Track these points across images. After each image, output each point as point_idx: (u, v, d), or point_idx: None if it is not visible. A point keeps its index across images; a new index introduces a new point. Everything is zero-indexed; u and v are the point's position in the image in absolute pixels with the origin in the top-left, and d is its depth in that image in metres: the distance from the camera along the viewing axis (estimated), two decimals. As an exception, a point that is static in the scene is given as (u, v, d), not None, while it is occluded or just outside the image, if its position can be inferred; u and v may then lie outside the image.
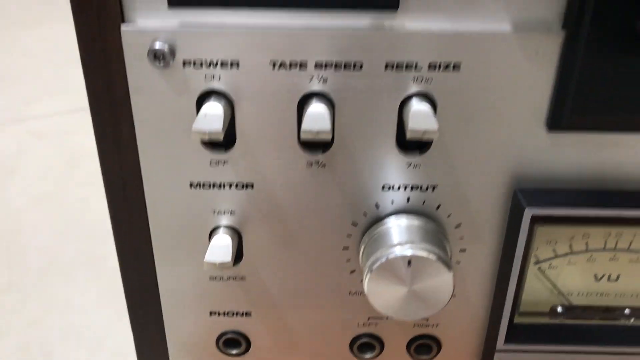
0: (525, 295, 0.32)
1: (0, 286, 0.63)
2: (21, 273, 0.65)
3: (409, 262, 0.27)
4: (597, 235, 0.30)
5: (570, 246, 0.31)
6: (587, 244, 0.31)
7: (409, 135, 0.25)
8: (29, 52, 1.14)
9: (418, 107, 0.25)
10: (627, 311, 0.33)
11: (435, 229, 0.29)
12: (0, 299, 0.61)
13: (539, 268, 0.31)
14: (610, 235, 0.30)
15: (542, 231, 0.30)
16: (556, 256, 0.31)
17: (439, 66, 0.26)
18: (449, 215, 0.29)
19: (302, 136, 0.25)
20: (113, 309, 0.59)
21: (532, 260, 0.31)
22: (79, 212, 0.73)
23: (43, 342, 0.57)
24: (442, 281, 0.27)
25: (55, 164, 0.84)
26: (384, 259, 0.27)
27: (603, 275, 0.32)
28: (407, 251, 0.27)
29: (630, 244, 0.31)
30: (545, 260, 0.31)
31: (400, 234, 0.28)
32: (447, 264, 0.27)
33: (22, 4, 1.32)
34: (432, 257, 0.27)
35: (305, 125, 0.25)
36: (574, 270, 0.32)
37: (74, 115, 0.93)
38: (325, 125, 0.25)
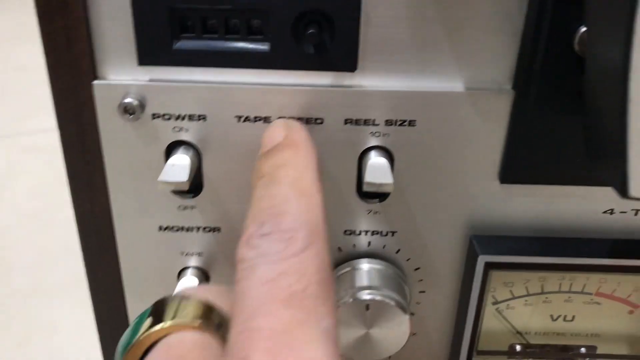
0: (484, 335, 0.33)
1: (-16, 307, 0.64)
2: (6, 294, 0.66)
3: (367, 307, 0.28)
4: (552, 278, 0.32)
5: (527, 288, 0.32)
6: (542, 286, 0.32)
7: (365, 187, 0.27)
8: (22, 67, 1.15)
9: (375, 160, 0.27)
10: (582, 350, 0.34)
11: (395, 273, 0.30)
12: (-15, 319, 0.62)
13: (497, 309, 0.33)
14: (564, 278, 0.32)
15: (497, 275, 0.31)
16: (513, 297, 0.32)
17: (396, 122, 0.27)
18: (408, 259, 0.31)
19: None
20: (97, 331, 0.60)
21: (490, 300, 0.32)
22: (67, 231, 0.74)
23: (27, 363, 0.58)
24: (399, 324, 0.29)
25: (44, 181, 0.85)
26: (343, 303, 0.28)
27: (559, 316, 0.33)
28: (366, 296, 0.28)
29: (583, 287, 0.32)
30: (502, 301, 0.32)
31: (360, 278, 0.29)
32: (404, 308, 0.28)
33: (15, 20, 1.34)
34: (390, 302, 0.28)
35: (267, 177, 0.26)
36: (531, 311, 0.33)
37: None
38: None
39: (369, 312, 0.28)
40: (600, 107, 0.24)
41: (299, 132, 0.24)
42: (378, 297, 0.28)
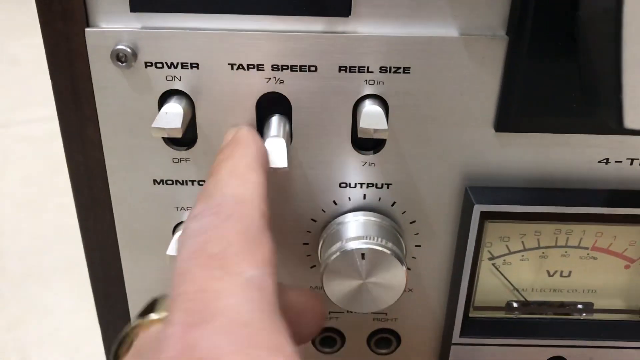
0: (481, 291, 0.33)
1: (-22, 290, 0.63)
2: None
3: (363, 255, 0.28)
4: (548, 232, 0.32)
5: (523, 243, 0.32)
6: (538, 240, 0.32)
7: (360, 134, 0.26)
8: (16, 59, 1.15)
9: (369, 108, 0.27)
10: (579, 306, 0.34)
11: (391, 225, 0.30)
12: (-22, 302, 0.62)
13: (494, 264, 0.33)
14: (560, 232, 0.32)
15: (493, 227, 0.31)
16: (510, 252, 0.32)
17: (390, 69, 0.27)
18: (403, 212, 0.30)
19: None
20: (91, 315, 0.60)
21: (487, 256, 0.32)
22: (60, 218, 0.74)
23: (20, 346, 0.57)
24: (395, 275, 0.28)
25: (37, 170, 0.85)
26: (339, 253, 0.28)
27: (556, 272, 0.33)
28: (361, 245, 0.28)
29: (580, 241, 0.32)
30: (499, 256, 0.32)
31: (356, 230, 0.29)
32: (400, 258, 0.28)
33: (8, 12, 1.33)
34: (386, 251, 0.28)
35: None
36: (527, 267, 0.33)
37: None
38: (275, 130, 0.26)
39: (364, 262, 0.28)
40: (594, 43, 0.24)
41: (243, 131, 0.27)
42: (374, 246, 0.28)
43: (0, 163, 0.86)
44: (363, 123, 0.26)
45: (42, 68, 0.28)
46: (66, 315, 0.61)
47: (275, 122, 0.28)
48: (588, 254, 0.32)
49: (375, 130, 0.26)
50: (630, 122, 0.21)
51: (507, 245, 0.32)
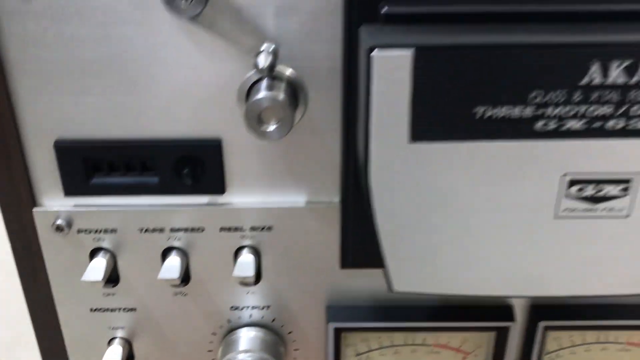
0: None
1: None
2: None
3: (246, 365, 0.38)
4: (398, 335, 0.41)
5: (380, 342, 0.41)
6: (392, 340, 0.41)
7: (233, 279, 0.36)
8: None
9: (242, 259, 0.36)
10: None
11: (272, 338, 0.40)
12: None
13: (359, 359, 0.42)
14: (408, 335, 0.41)
15: (350, 335, 0.40)
16: (370, 350, 0.42)
17: (258, 228, 0.37)
18: (282, 326, 0.40)
19: (160, 276, 0.36)
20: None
21: (353, 352, 0.42)
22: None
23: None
24: (272, 378, 0.38)
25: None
26: (227, 363, 0.38)
27: (411, 363, 0.42)
28: (245, 357, 0.38)
29: (424, 340, 0.41)
30: (363, 353, 0.42)
31: (243, 343, 0.39)
32: (274, 366, 0.38)
33: None
34: (263, 360, 0.38)
35: (162, 273, 0.36)
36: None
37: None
38: (176, 273, 0.36)
39: (249, 370, 0.38)
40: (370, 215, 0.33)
41: None
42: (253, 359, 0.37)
43: None
44: (235, 271, 0.36)
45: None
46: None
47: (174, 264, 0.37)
48: (432, 350, 0.42)
49: (244, 277, 0.36)
50: (398, 286, 0.31)
51: (367, 344, 0.41)
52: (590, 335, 0.41)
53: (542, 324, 0.40)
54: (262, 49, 0.31)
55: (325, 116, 0.34)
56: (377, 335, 0.41)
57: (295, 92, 0.33)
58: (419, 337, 0.41)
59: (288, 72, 0.32)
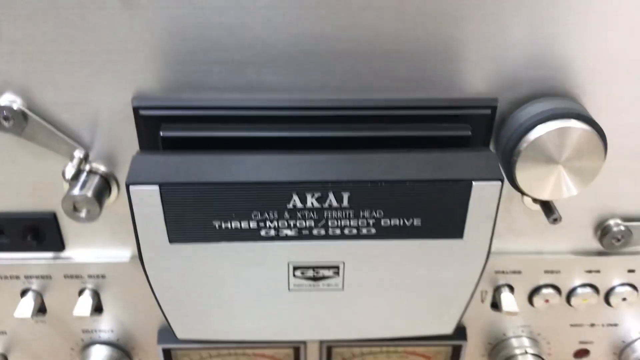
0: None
1: None
2: None
3: None
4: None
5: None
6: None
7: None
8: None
9: (81, 299, 0.47)
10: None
11: (118, 353, 0.50)
12: None
13: (195, 364, 0.53)
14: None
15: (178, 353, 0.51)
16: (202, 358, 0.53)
17: (94, 276, 0.47)
18: (125, 344, 0.51)
19: (15, 314, 0.46)
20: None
21: (189, 360, 0.53)
22: None
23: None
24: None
25: None
26: None
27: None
28: None
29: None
30: (197, 360, 0.53)
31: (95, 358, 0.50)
32: None
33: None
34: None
35: (17, 312, 0.46)
36: (218, 364, 0.53)
37: None
38: (29, 313, 0.46)
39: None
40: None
41: None
42: None
43: None
44: (75, 311, 0.46)
45: None
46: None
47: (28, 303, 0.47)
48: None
49: (81, 317, 0.46)
50: (179, 334, 0.41)
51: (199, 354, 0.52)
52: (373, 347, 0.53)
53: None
54: (74, 156, 0.40)
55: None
56: (207, 352, 0.52)
57: (108, 182, 0.42)
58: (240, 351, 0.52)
59: (102, 168, 0.41)
